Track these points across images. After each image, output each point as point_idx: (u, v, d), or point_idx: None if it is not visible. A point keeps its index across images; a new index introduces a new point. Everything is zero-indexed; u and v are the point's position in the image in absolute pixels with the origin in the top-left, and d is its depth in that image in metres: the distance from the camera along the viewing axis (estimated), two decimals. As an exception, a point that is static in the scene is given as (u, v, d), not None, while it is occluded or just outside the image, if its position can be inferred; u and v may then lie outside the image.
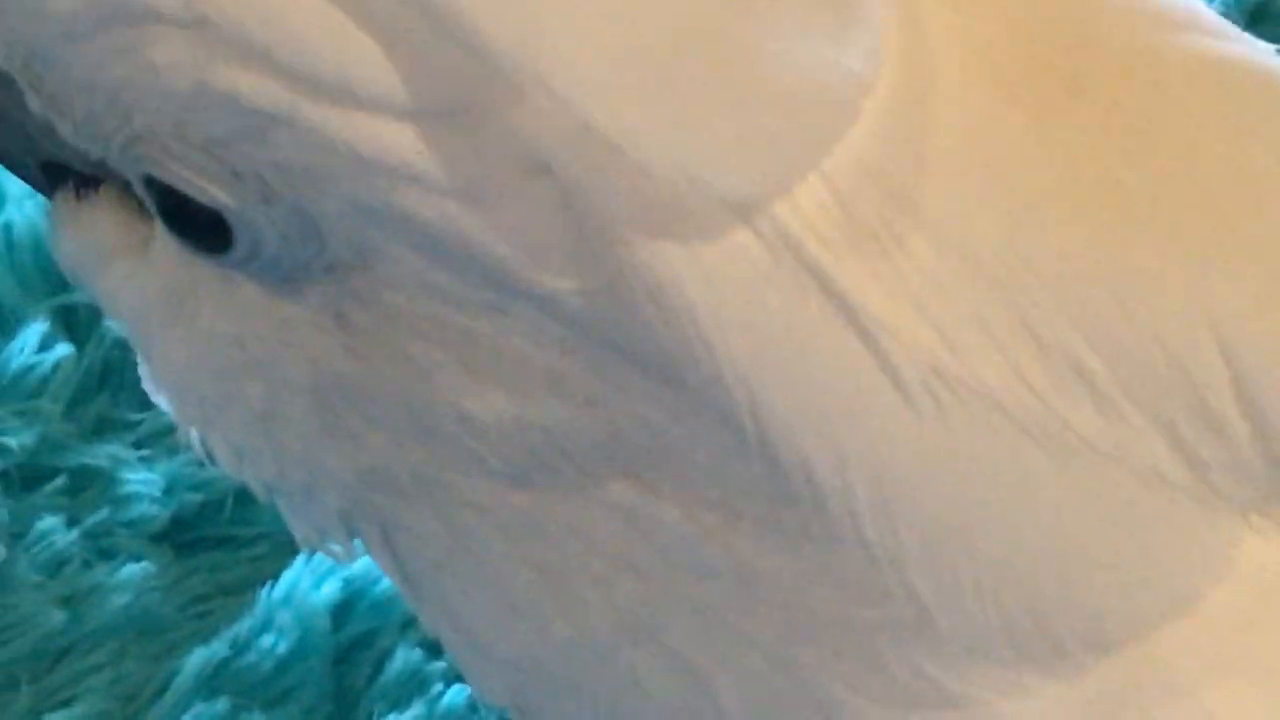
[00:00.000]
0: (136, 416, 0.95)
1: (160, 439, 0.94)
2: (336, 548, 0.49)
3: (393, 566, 0.47)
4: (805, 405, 0.39)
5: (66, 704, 0.84)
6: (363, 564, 0.89)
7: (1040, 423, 0.39)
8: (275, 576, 0.88)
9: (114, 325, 0.96)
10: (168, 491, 0.92)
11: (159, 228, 0.46)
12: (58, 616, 0.86)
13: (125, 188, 0.46)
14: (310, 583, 0.87)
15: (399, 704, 0.84)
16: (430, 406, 0.43)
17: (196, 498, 0.93)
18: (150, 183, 0.44)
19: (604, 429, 0.41)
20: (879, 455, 0.39)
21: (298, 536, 0.50)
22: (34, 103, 0.44)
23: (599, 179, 0.38)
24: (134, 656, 0.87)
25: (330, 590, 0.87)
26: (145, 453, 0.94)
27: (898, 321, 0.38)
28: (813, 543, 0.40)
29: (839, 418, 0.39)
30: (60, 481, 0.92)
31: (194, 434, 0.49)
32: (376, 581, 0.88)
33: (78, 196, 0.48)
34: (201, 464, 0.92)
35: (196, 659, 0.86)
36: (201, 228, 0.43)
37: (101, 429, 0.94)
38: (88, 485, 0.92)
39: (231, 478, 0.90)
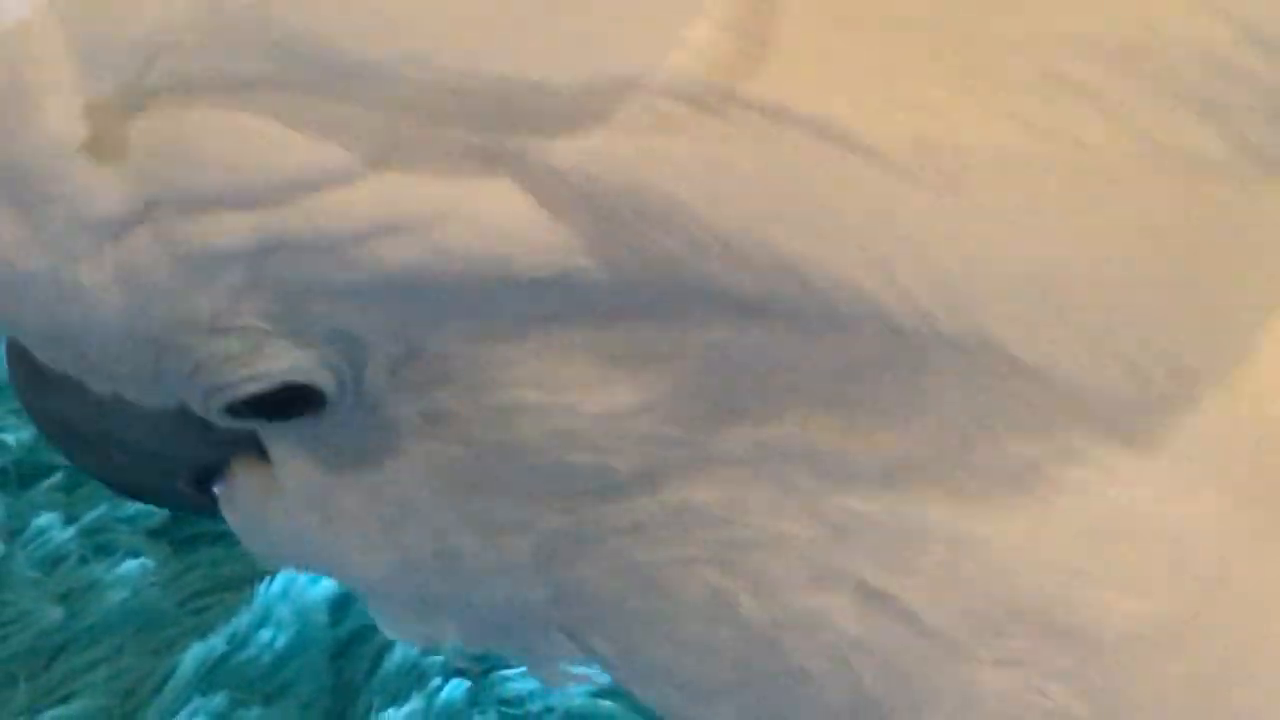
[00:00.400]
0: (134, 412, 0.95)
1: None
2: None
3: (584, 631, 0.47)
4: (819, 232, 0.37)
5: (64, 700, 0.84)
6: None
7: (1047, 151, 0.38)
8: (273, 572, 0.88)
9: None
10: (165, 487, 0.92)
11: (274, 457, 0.46)
12: (55, 613, 0.86)
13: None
14: (308, 577, 0.87)
15: (397, 698, 0.84)
16: (541, 447, 0.42)
17: (194, 493, 0.93)
18: (233, 409, 0.44)
19: (690, 383, 0.40)
20: (916, 247, 0.37)
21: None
22: (102, 387, 0.45)
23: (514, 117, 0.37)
24: (132, 652, 0.87)
25: (328, 585, 0.87)
26: (143, 448, 0.94)
27: (855, 116, 0.37)
28: (931, 391, 0.40)
29: (861, 235, 0.37)
30: (57, 478, 0.92)
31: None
32: (374, 576, 0.88)
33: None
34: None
35: (194, 654, 0.85)
36: (284, 406, 0.44)
37: (99, 425, 0.95)
38: (85, 481, 0.92)
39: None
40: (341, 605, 0.87)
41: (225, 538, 0.92)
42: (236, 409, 0.44)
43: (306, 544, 0.49)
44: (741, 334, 0.39)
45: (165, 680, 0.85)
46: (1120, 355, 0.39)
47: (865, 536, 0.42)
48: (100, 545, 0.90)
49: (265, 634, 0.86)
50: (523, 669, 0.85)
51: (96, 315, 0.42)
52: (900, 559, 0.42)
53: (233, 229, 0.39)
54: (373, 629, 0.87)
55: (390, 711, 0.83)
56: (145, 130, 0.39)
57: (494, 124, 0.37)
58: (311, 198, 0.39)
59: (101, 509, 0.90)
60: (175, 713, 0.84)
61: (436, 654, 0.86)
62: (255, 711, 0.84)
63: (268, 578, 0.88)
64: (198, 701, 0.84)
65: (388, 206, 0.38)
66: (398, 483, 0.45)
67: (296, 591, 0.87)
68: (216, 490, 0.49)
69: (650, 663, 0.46)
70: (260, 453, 0.47)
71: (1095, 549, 0.42)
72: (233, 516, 0.50)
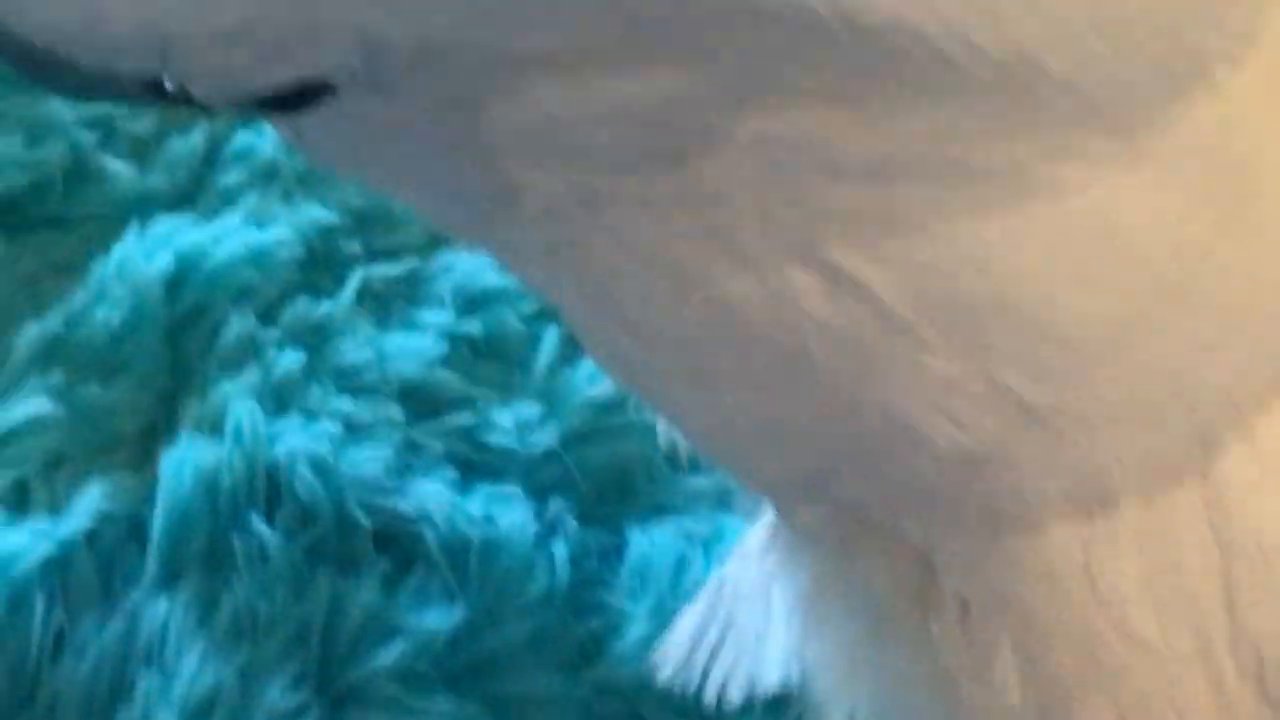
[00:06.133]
0: (-40, 100, 0.94)
1: (-15, 124, 0.93)
2: None
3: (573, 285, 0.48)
4: None
5: (-103, 380, 0.84)
6: (193, 236, 0.89)
7: None
8: (107, 254, 0.88)
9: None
10: (-6, 173, 0.91)
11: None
12: (-117, 296, 0.86)
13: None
14: (141, 255, 0.87)
15: (234, 371, 0.85)
16: (557, 127, 0.43)
17: (24, 178, 0.92)
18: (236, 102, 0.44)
19: (712, 74, 0.41)
20: None
21: None
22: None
23: None
24: (-34, 336, 0.87)
25: (163, 262, 0.87)
26: (-31, 136, 0.93)
27: None
28: (942, 93, 0.41)
29: None
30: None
31: None
32: (208, 254, 0.88)
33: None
34: (29, 145, 0.92)
35: (30, 334, 0.85)
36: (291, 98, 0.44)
37: (-75, 113, 0.93)
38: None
39: (59, 159, 0.90)
40: (177, 283, 0.87)
41: (58, 222, 0.92)
42: (242, 102, 0.44)
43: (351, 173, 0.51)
44: (765, 36, 0.40)
45: (1, 362, 0.85)
46: (1145, 47, 0.41)
47: (847, 224, 0.43)
48: (-71, 231, 0.89)
49: (100, 312, 0.86)
50: (359, 339, 0.86)
51: (106, 21, 0.42)
52: (876, 248, 0.44)
53: None
54: (209, 306, 0.87)
55: (227, 384, 0.84)
56: None
57: None
58: None
59: (-71, 194, 0.90)
60: (12, 393, 0.84)
61: (274, 328, 0.86)
62: (93, 389, 0.84)
63: (101, 257, 0.87)
64: (34, 381, 0.84)
65: None
66: (408, 155, 0.46)
67: (131, 270, 0.87)
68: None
69: (616, 312, 0.48)
70: None
71: (1068, 249, 0.44)
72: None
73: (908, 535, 0.50)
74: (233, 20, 0.41)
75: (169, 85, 0.47)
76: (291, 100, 0.44)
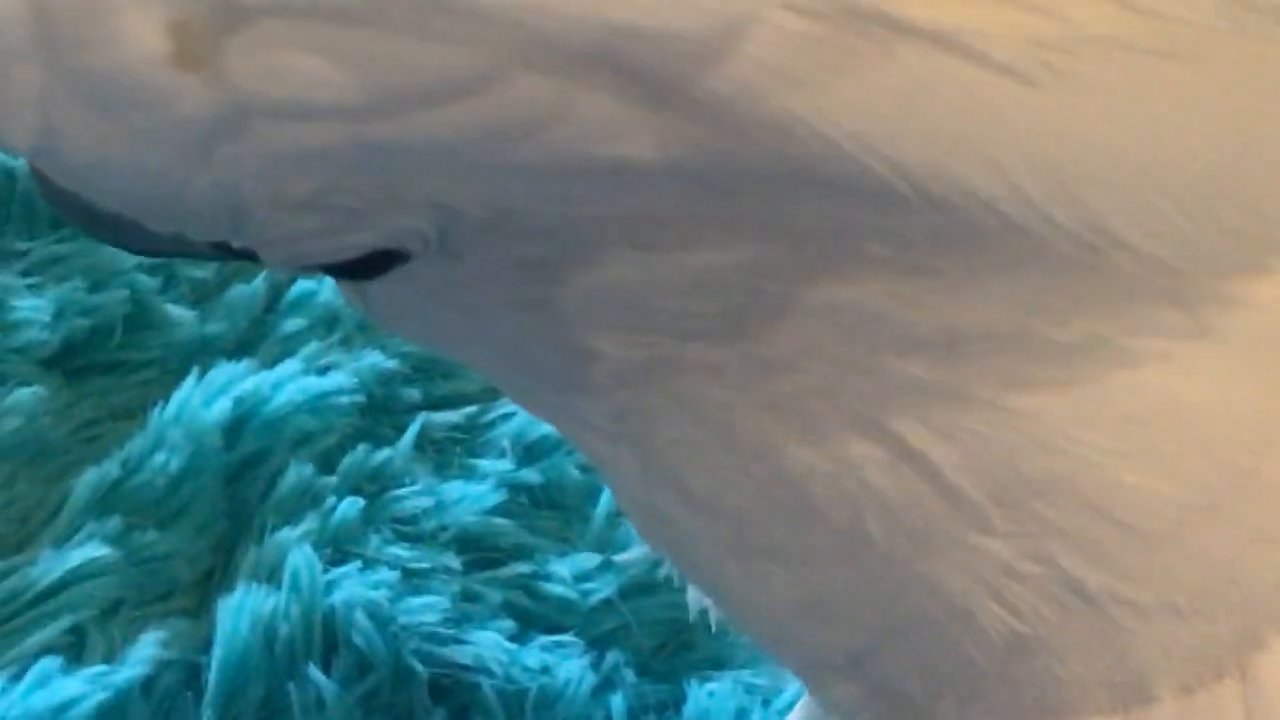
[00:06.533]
0: (23, 245, 0.95)
1: (48, 267, 0.94)
2: None
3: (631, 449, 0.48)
4: (940, 142, 0.39)
5: (-43, 527, 0.84)
6: (253, 383, 0.89)
7: (1157, 36, 0.39)
8: (166, 400, 0.88)
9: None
10: (57, 317, 0.92)
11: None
12: (-53, 441, 0.86)
13: None
14: (201, 402, 0.87)
15: (292, 518, 0.85)
16: (627, 291, 0.43)
17: (86, 323, 0.92)
18: (308, 267, 0.44)
19: (782, 245, 0.41)
20: (1030, 147, 0.39)
21: None
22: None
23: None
24: (25, 480, 0.87)
25: (221, 409, 0.87)
26: (33, 280, 0.93)
27: (968, 22, 0.38)
28: (1013, 265, 0.41)
29: (977, 140, 0.39)
30: (-54, 309, 0.92)
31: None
32: (267, 400, 0.88)
33: None
34: (91, 290, 0.93)
35: (88, 480, 0.86)
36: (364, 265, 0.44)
37: (-12, 258, 0.94)
38: (-25, 313, 0.92)
39: (120, 304, 0.91)
40: (235, 429, 0.87)
41: (118, 367, 0.92)
42: (311, 267, 0.44)
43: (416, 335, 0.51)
44: (839, 209, 0.40)
45: (59, 507, 0.86)
46: (1221, 222, 0.41)
47: (914, 399, 0.43)
48: (-9, 375, 0.90)
49: (159, 458, 0.86)
50: (417, 486, 0.86)
51: (180, 196, 0.42)
52: (943, 424, 0.43)
53: (332, 136, 0.39)
54: (267, 452, 0.87)
55: (285, 531, 0.84)
56: (241, 44, 0.39)
57: (614, 59, 0.38)
58: (417, 111, 0.39)
59: (-8, 339, 0.90)
60: (69, 538, 0.84)
61: (331, 475, 0.86)
62: (150, 535, 0.84)
63: (161, 403, 0.88)
64: (92, 526, 0.84)
65: (501, 114, 0.39)
66: (479, 315, 0.46)
67: (189, 416, 0.87)
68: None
69: (672, 481, 0.47)
70: None
71: (1136, 429, 0.43)
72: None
73: (943, 718, 0.49)
74: (309, 191, 0.41)
75: (235, 245, 0.47)
76: (362, 267, 0.45)
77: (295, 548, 0.83)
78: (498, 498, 0.86)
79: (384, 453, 0.87)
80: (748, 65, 0.38)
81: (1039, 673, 0.46)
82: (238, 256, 0.48)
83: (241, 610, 0.80)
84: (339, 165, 0.41)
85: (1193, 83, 0.40)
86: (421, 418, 0.89)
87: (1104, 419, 0.43)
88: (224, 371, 0.89)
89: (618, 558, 0.84)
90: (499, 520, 0.85)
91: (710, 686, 0.80)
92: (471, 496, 0.86)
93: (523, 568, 0.84)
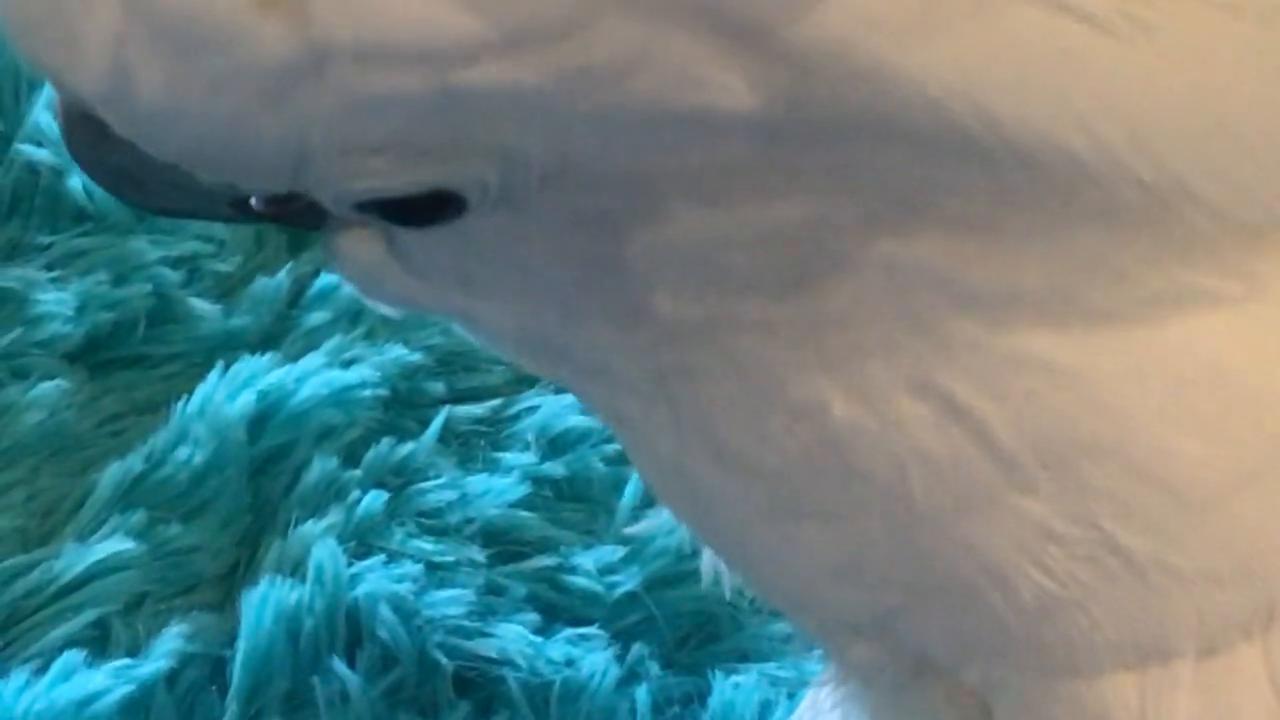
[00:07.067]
0: (47, 239, 0.95)
1: (71, 260, 0.94)
2: None
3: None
4: (1026, 93, 0.39)
5: (-19, 520, 0.84)
6: (276, 376, 0.89)
7: None
8: (189, 394, 0.88)
9: (23, 149, 0.95)
10: (80, 311, 0.92)
11: (395, 235, 0.46)
12: (-29, 435, 0.86)
13: None
14: (225, 396, 0.87)
15: (316, 511, 0.84)
16: (687, 246, 0.43)
17: (109, 317, 0.92)
18: (362, 206, 0.44)
19: (848, 199, 0.42)
20: (1113, 100, 0.40)
21: None
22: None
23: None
24: (49, 474, 0.87)
25: (245, 403, 0.87)
26: (57, 274, 0.93)
27: None
28: (1077, 221, 0.41)
29: (1061, 88, 0.39)
30: (-32, 302, 0.92)
31: None
32: (291, 394, 0.88)
33: None
34: (114, 284, 0.93)
35: (112, 474, 0.86)
36: (419, 208, 0.44)
37: (12, 253, 0.94)
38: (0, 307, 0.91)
39: (143, 299, 0.90)
40: (259, 422, 0.87)
41: (141, 361, 0.92)
42: (366, 206, 0.44)
43: (432, 303, 0.50)
44: (910, 162, 0.41)
45: (83, 500, 0.85)
46: None
47: (967, 357, 0.43)
48: (15, 369, 0.90)
49: (183, 452, 0.86)
50: (441, 480, 0.86)
51: (246, 142, 0.41)
52: (995, 382, 0.43)
53: (415, 82, 0.39)
54: (292, 446, 0.87)
55: (309, 524, 0.84)
56: None
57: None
58: (507, 56, 0.39)
59: (16, 332, 0.90)
60: (94, 531, 0.84)
61: (355, 469, 0.86)
62: (174, 529, 0.84)
63: (185, 397, 0.88)
64: (116, 520, 0.84)
65: (590, 58, 0.39)
66: (528, 269, 0.46)
67: (213, 410, 0.87)
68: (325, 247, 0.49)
69: (711, 443, 0.47)
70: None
71: (1187, 394, 0.44)
72: (342, 271, 0.49)
73: (965, 677, 0.49)
74: (381, 136, 0.41)
75: (255, 203, 0.47)
76: (414, 213, 0.44)
77: (319, 541, 0.82)
78: (522, 491, 0.86)
79: (408, 446, 0.87)
80: (842, 14, 0.38)
81: (1069, 634, 0.46)
82: (253, 219, 0.48)
83: (266, 604, 0.80)
84: (417, 111, 0.40)
85: (1262, 41, 0.40)
86: (446, 411, 0.89)
87: (1155, 381, 0.43)
88: (248, 365, 0.89)
89: (628, 529, 0.83)
90: (523, 513, 0.85)
91: (735, 679, 0.80)
92: (496, 489, 0.86)
93: (547, 561, 0.84)
